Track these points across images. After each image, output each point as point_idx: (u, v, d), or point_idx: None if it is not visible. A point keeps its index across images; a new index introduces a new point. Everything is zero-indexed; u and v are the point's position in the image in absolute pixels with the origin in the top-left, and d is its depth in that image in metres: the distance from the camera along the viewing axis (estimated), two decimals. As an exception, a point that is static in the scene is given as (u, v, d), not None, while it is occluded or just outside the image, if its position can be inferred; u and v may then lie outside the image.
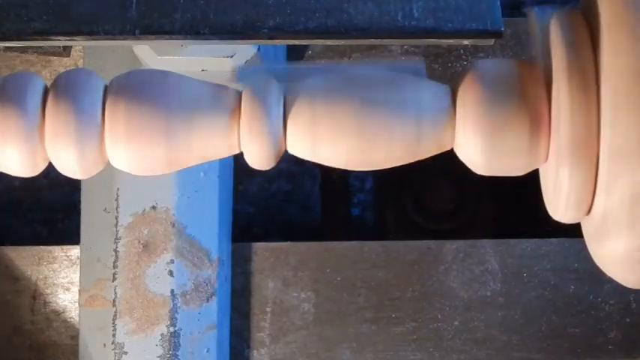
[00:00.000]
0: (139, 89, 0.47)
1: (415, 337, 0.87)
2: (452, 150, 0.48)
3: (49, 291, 0.88)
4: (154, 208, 0.80)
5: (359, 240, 0.89)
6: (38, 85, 0.48)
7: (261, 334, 0.87)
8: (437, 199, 1.08)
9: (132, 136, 0.47)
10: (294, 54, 0.87)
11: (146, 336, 0.79)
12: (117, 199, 0.80)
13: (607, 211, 0.44)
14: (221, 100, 0.48)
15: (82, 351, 0.81)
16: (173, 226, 0.79)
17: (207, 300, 0.80)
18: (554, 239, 0.87)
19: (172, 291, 0.79)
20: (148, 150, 0.47)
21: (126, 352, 0.79)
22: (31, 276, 0.89)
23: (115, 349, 0.79)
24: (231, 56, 0.72)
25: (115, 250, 0.80)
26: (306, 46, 0.88)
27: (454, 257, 0.87)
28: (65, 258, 0.89)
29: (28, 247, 0.90)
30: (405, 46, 0.87)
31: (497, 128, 0.46)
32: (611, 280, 0.49)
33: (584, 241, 0.49)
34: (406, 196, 1.08)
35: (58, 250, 0.89)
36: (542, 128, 0.46)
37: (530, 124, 0.46)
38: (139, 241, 0.79)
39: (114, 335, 0.79)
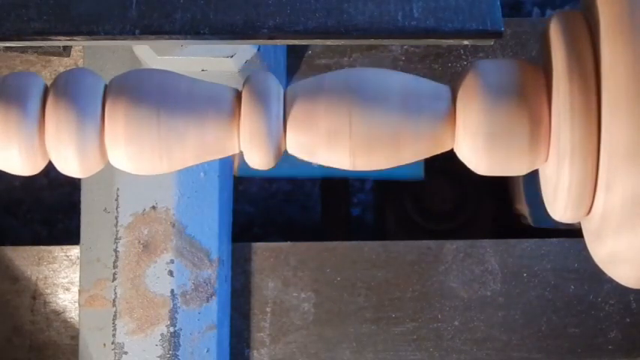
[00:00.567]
0: (138, 89, 0.47)
1: (415, 337, 0.87)
2: (452, 150, 0.48)
3: (49, 291, 0.88)
4: (154, 208, 0.80)
5: (359, 240, 0.89)
6: (38, 85, 0.48)
7: (261, 334, 0.87)
8: (437, 199, 1.08)
9: (131, 135, 0.47)
10: (294, 54, 0.87)
11: (146, 336, 0.79)
12: (117, 199, 0.80)
13: (607, 211, 0.44)
14: (221, 100, 0.48)
15: (82, 351, 0.81)
16: (173, 226, 0.79)
17: (207, 300, 0.80)
18: (554, 239, 0.87)
19: (172, 291, 0.79)
20: (148, 149, 0.47)
21: (126, 352, 0.79)
22: (31, 276, 0.89)
23: (115, 349, 0.79)
24: (231, 56, 0.72)
25: (115, 250, 0.80)
26: (306, 46, 0.88)
27: (454, 257, 0.87)
28: (65, 258, 0.89)
29: (28, 247, 0.90)
30: (405, 46, 0.87)
31: (497, 128, 0.46)
32: (611, 280, 0.49)
33: (584, 241, 0.49)
34: (406, 196, 1.08)
35: (58, 250, 0.89)
36: (542, 128, 0.46)
37: (531, 124, 0.46)
38: (139, 241, 0.79)
39: (114, 335, 0.79)
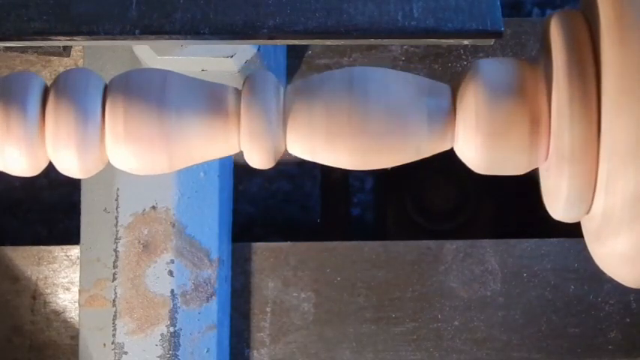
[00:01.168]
0: (138, 89, 0.47)
1: (415, 337, 0.87)
2: (452, 150, 0.48)
3: (49, 291, 0.88)
4: (154, 208, 0.80)
5: (359, 240, 0.89)
6: (38, 85, 0.48)
7: (261, 334, 0.87)
8: (437, 199, 1.08)
9: (131, 135, 0.47)
10: (294, 54, 0.87)
11: (146, 336, 0.79)
12: (117, 199, 0.80)
13: (607, 211, 0.44)
14: (221, 99, 0.48)
15: (82, 351, 0.81)
16: (173, 226, 0.79)
17: (207, 300, 0.80)
18: (554, 239, 0.87)
19: (172, 291, 0.79)
20: (148, 149, 0.47)
21: (126, 352, 0.79)
22: (31, 276, 0.89)
23: (115, 349, 0.79)
24: (231, 56, 0.72)
25: (115, 250, 0.80)
26: (306, 46, 0.88)
27: (454, 257, 0.87)
28: (65, 258, 0.89)
29: (28, 247, 0.90)
30: (405, 46, 0.87)
31: (497, 128, 0.46)
32: (611, 280, 0.49)
33: (584, 241, 0.49)
34: (406, 196, 1.08)
35: (58, 250, 0.89)
36: (542, 128, 0.46)
37: (531, 123, 0.46)
38: (139, 241, 0.80)
39: (114, 335, 0.79)
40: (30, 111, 0.47)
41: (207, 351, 0.81)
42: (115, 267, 0.80)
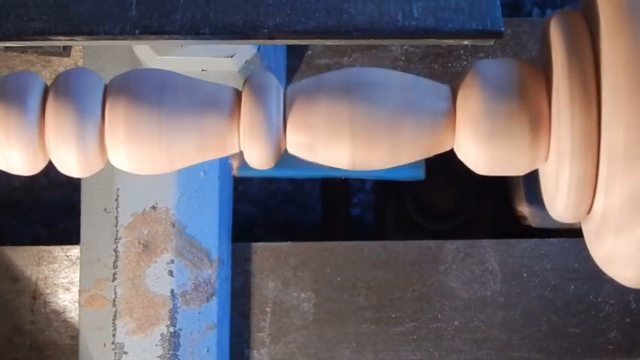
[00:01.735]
0: (138, 89, 0.47)
1: (415, 337, 0.87)
2: (452, 150, 0.48)
3: (49, 291, 0.88)
4: (154, 208, 0.80)
5: (359, 240, 0.89)
6: (38, 85, 0.48)
7: (261, 334, 0.87)
8: (437, 199, 1.08)
9: (131, 135, 0.47)
10: (294, 54, 0.87)
11: (146, 336, 0.79)
12: (117, 199, 0.80)
13: (607, 211, 0.44)
14: (221, 99, 0.48)
15: (82, 351, 0.81)
16: (173, 226, 0.79)
17: (207, 300, 0.80)
18: (554, 239, 0.87)
19: (172, 291, 0.79)
20: (148, 149, 0.47)
21: (126, 352, 0.79)
22: (31, 276, 0.89)
23: (115, 349, 0.79)
24: (231, 56, 0.72)
25: (115, 250, 0.80)
26: (306, 46, 0.88)
27: (454, 257, 0.87)
28: (65, 258, 0.89)
29: (28, 247, 0.90)
30: (405, 46, 0.87)
31: (497, 128, 0.46)
32: (611, 280, 0.49)
33: (584, 241, 0.49)
34: (406, 196, 1.08)
35: (58, 250, 0.89)
36: (542, 128, 0.46)
37: (531, 123, 0.46)
38: (139, 241, 0.80)
39: (114, 335, 0.79)
40: (30, 111, 0.47)
41: (207, 351, 0.81)
42: (115, 267, 0.80)
